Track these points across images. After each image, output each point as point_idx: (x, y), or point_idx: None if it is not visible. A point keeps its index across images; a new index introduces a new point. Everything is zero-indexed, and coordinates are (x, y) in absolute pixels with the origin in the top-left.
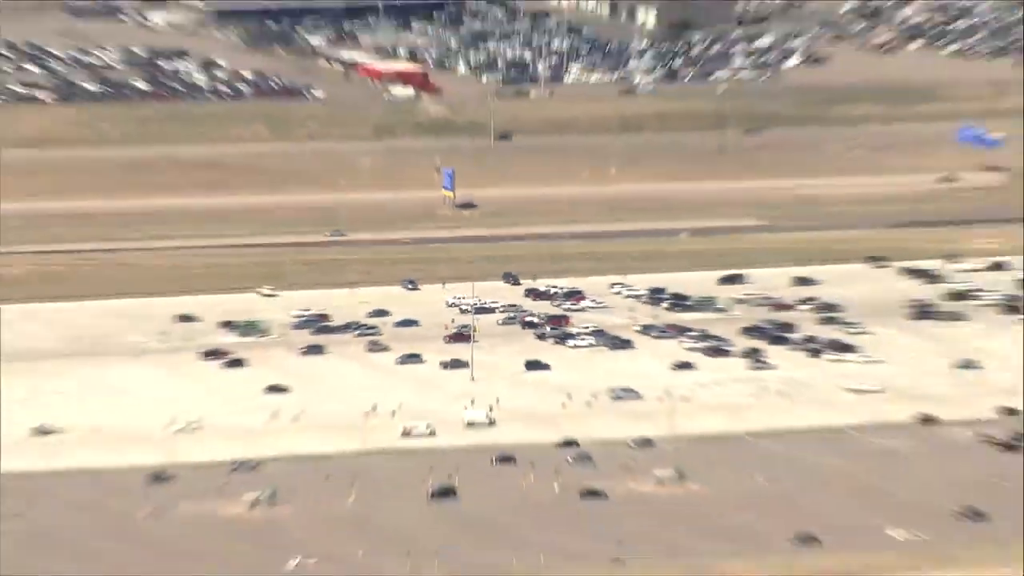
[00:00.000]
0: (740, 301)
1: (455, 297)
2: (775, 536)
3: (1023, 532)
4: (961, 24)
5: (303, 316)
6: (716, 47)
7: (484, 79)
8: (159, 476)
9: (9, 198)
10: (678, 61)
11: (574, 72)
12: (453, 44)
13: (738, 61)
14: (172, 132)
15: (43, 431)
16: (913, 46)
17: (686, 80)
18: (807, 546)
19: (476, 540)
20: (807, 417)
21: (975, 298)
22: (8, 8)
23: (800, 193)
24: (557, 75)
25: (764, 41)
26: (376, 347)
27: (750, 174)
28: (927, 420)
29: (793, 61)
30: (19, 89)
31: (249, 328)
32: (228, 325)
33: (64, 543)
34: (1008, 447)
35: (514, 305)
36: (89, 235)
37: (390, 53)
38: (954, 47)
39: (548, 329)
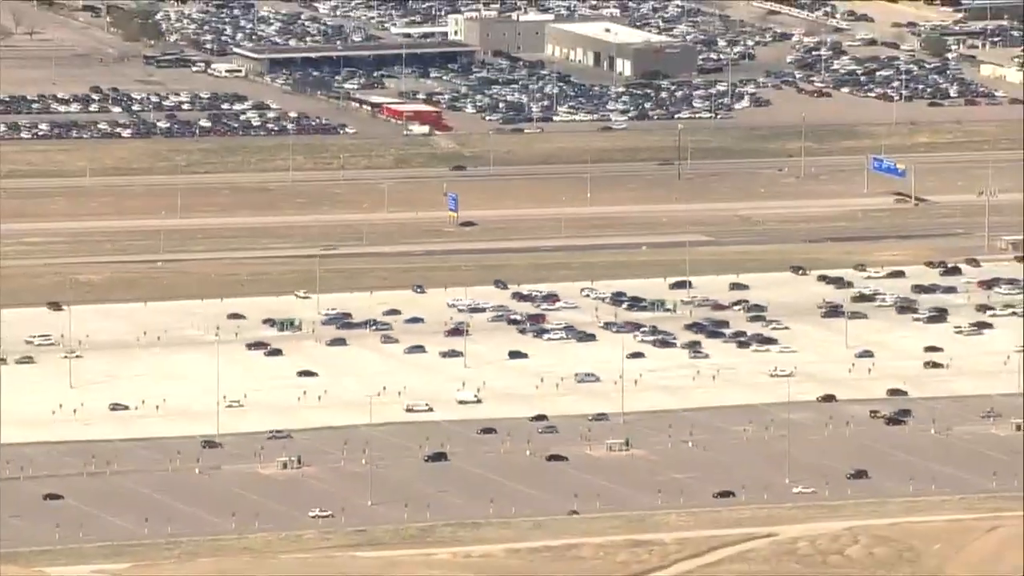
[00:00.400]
0: (686, 303)
1: (454, 299)
2: (701, 492)
3: None
4: (883, 73)
5: (330, 314)
6: (680, 92)
7: (487, 118)
8: (210, 443)
9: (95, 217)
10: (648, 104)
11: (562, 113)
12: (463, 89)
13: (697, 104)
14: (229, 162)
15: (118, 407)
16: (843, 91)
17: (654, 119)
18: (726, 499)
19: (461, 493)
20: (733, 396)
21: (876, 300)
22: (95, 60)
23: (740, 214)
24: (547, 115)
25: (720, 87)
26: (388, 339)
27: (700, 198)
28: (828, 398)
29: (742, 104)
30: (105, 127)
31: (286, 324)
32: (269, 322)
33: (134, 495)
34: (893, 421)
35: (502, 306)
36: (158, 247)
37: (410, 96)
38: (877, 92)
39: (528, 325)
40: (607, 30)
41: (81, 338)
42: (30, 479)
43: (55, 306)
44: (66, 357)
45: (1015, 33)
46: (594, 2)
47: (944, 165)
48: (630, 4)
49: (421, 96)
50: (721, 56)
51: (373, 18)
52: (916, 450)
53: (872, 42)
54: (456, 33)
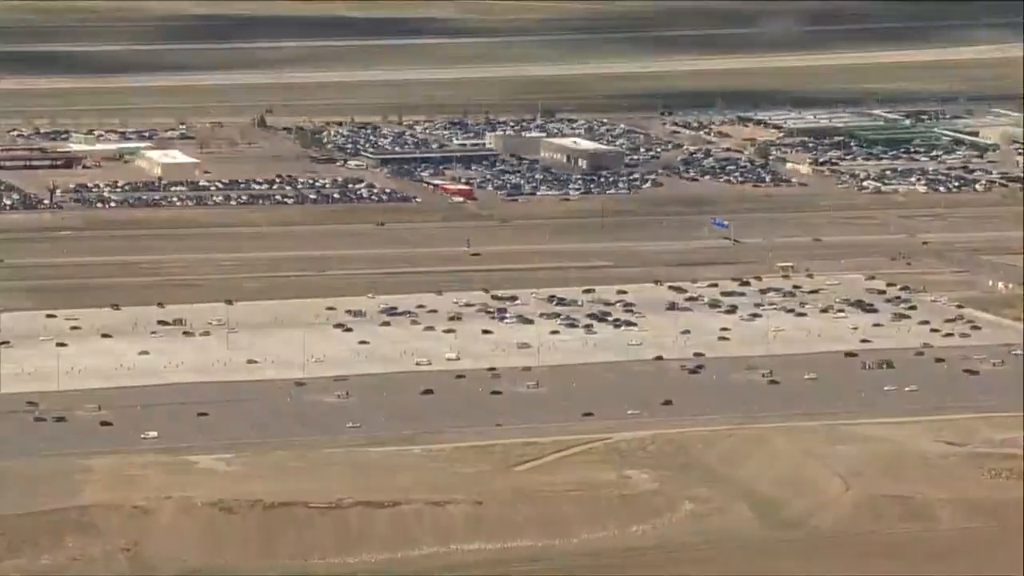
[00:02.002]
0: (590, 302)
1: (457, 299)
2: (575, 413)
3: None
4: (730, 167)
5: (384, 307)
6: (612, 179)
7: (499, 193)
8: (300, 383)
9: (265, 249)
10: (592, 185)
11: (542, 190)
12: (488, 176)
13: (621, 185)
14: (347, 218)
15: (252, 361)
16: (707, 178)
17: (594, 193)
18: (588, 417)
19: (438, 414)
20: (606, 356)
21: (699, 300)
22: (282, 160)
23: (633, 250)
24: (533, 191)
25: (634, 176)
26: (415, 322)
27: (612, 239)
28: (658, 358)
29: (647, 185)
30: (278, 198)
31: (357, 314)
32: (349, 312)
33: (252, 414)
34: (693, 372)
35: (484, 303)
36: (296, 268)
37: (456, 180)
38: (724, 179)
39: (496, 314)
40: (575, 142)
41: (241, 320)
42: (193, 404)
43: (229, 302)
44: (229, 332)
45: (811, 145)
46: (569, 128)
47: (756, 220)
48: (593, 126)
49: (463, 180)
50: (637, 157)
51: (445, 134)
52: (704, 389)
53: (728, 149)
54: (489, 143)
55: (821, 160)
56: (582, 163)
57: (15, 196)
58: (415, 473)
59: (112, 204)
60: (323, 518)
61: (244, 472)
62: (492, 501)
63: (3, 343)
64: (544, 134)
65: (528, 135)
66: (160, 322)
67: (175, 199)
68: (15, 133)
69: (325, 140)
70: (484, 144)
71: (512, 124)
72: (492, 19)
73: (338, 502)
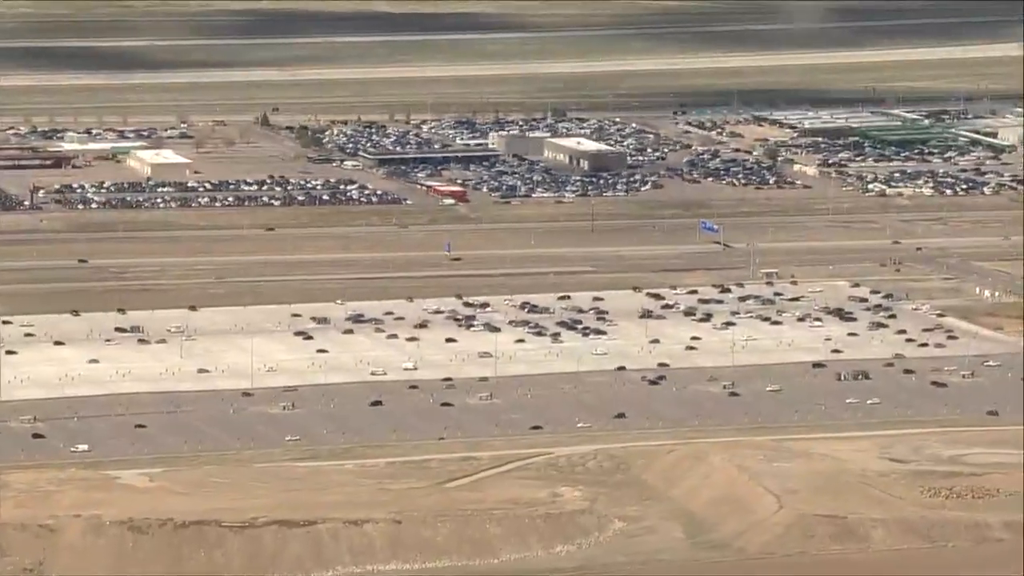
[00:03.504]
0: (564, 309)
1: (426, 306)
2: (523, 426)
3: None
4: (734, 167)
5: (351, 315)
6: (612, 180)
7: (492, 195)
8: (247, 393)
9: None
10: (590, 187)
11: (538, 191)
12: (485, 177)
13: (620, 187)
14: (332, 220)
15: (203, 370)
16: (709, 180)
17: (589, 195)
18: (536, 431)
19: (382, 426)
20: (565, 367)
21: (674, 308)
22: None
23: (619, 253)
24: (529, 193)
25: (635, 177)
26: (379, 330)
27: (600, 244)
28: (620, 368)
29: (646, 187)
30: (265, 200)
31: (321, 321)
32: (313, 319)
33: (189, 426)
34: (653, 383)
35: (454, 310)
36: (268, 272)
37: (453, 181)
38: (731, 180)
39: (464, 322)
40: (578, 142)
41: (201, 327)
42: (132, 415)
43: (193, 308)
44: (186, 339)
45: (823, 146)
46: (579, 127)
47: (751, 224)
48: (603, 125)
49: (459, 181)
50: (642, 158)
51: (450, 134)
52: (661, 401)
53: (737, 150)
54: (492, 143)
55: (830, 161)
56: (584, 164)
57: None
58: (341, 490)
59: (94, 205)
60: (236, 537)
61: (165, 488)
62: (412, 520)
63: None
64: (550, 134)
65: (533, 135)
66: (117, 329)
67: (160, 200)
68: (11, 131)
69: (326, 140)
70: (487, 144)
71: (520, 123)
72: (529, 15)
73: (252, 521)
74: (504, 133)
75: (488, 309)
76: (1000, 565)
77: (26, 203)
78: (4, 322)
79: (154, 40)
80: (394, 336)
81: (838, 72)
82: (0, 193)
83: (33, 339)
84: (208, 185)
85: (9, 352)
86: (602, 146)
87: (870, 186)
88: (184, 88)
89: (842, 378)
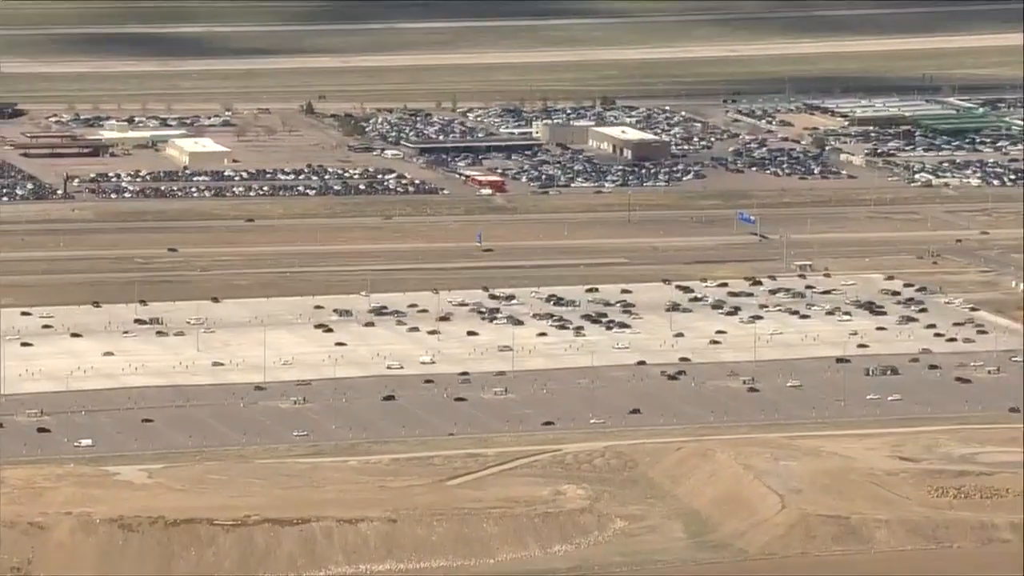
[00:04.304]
0: (591, 302)
1: (452, 298)
2: (535, 421)
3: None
4: (780, 157)
5: (374, 307)
6: (654, 170)
7: (531, 185)
8: (259, 387)
9: (272, 244)
10: (632, 176)
11: (577, 182)
12: (525, 167)
13: (662, 177)
14: (366, 210)
15: (218, 363)
16: (753, 169)
17: (630, 186)
18: (548, 426)
19: (391, 421)
20: (585, 361)
21: (702, 301)
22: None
23: (653, 244)
24: (568, 183)
25: (678, 167)
26: (401, 323)
27: (636, 235)
28: (641, 363)
29: (688, 177)
30: (300, 189)
31: (343, 313)
32: (335, 311)
33: (196, 420)
34: (672, 378)
35: (479, 302)
36: (296, 263)
37: (493, 171)
38: (775, 170)
39: (487, 315)
40: (622, 131)
41: (221, 319)
42: (140, 409)
43: (215, 299)
44: (204, 332)
45: (873, 135)
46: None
47: (791, 216)
48: (652, 113)
49: (500, 170)
50: (688, 147)
51: (496, 122)
52: (678, 396)
53: (785, 139)
54: (536, 132)
55: (879, 151)
56: (627, 153)
57: (29, 186)
58: (339, 487)
59: (127, 195)
60: (227, 536)
61: (162, 485)
62: (408, 518)
63: None
64: (593, 123)
65: (578, 124)
66: (137, 321)
67: (194, 190)
68: (53, 119)
69: (369, 128)
70: (531, 133)
71: (568, 112)
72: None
73: (244, 519)
74: (547, 122)
75: (514, 302)
76: (1004, 567)
77: (59, 192)
78: (23, 313)
79: (210, 27)
80: (415, 329)
81: (896, 59)
82: (34, 182)
83: (51, 331)
84: (245, 174)
85: (24, 344)
86: (645, 135)
87: (916, 176)
88: (233, 75)
89: (870, 373)
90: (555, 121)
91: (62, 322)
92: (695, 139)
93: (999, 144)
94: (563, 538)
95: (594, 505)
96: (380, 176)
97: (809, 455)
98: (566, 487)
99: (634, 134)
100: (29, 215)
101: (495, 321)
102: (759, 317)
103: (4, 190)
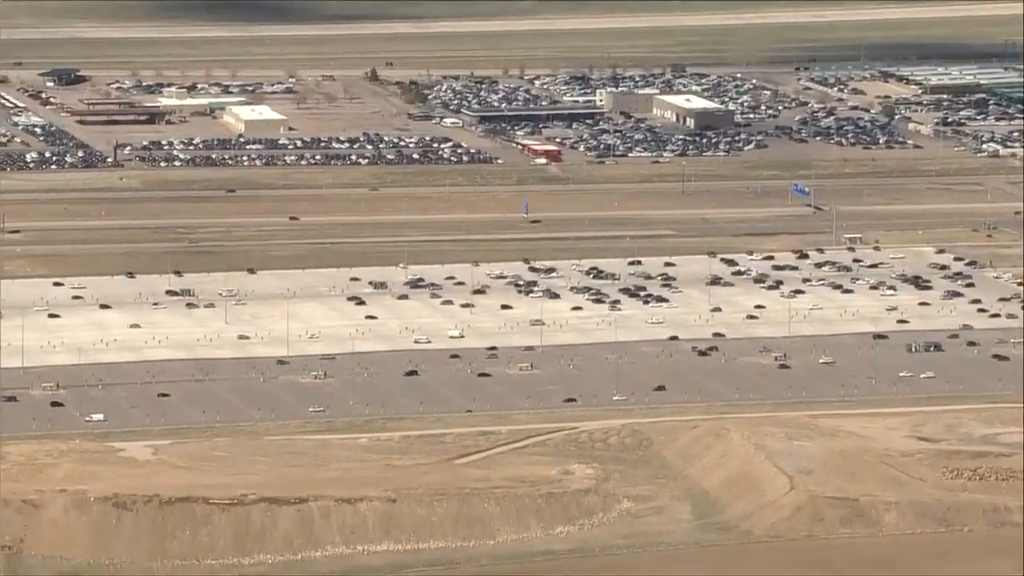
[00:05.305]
0: (632, 274)
1: (490, 270)
2: (556, 398)
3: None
4: (847, 126)
5: (411, 279)
6: (716, 139)
7: (588, 155)
8: (282, 361)
9: (308, 214)
10: (692, 146)
11: (636, 152)
12: (585, 136)
13: (722, 147)
14: (416, 180)
15: (243, 336)
16: (817, 139)
17: (689, 155)
18: (569, 403)
19: (416, 396)
20: (618, 336)
21: (744, 275)
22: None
23: (704, 216)
24: (626, 152)
25: (740, 136)
26: (435, 296)
27: (688, 206)
28: (673, 338)
29: (749, 147)
30: (353, 158)
31: (377, 285)
32: (371, 283)
33: (213, 395)
34: (702, 353)
35: (517, 275)
36: (337, 234)
37: (552, 140)
38: (840, 139)
39: (524, 288)
40: (687, 99)
41: (255, 291)
42: (158, 383)
43: (251, 271)
44: (235, 304)
45: (946, 103)
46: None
47: (850, 187)
48: (722, 81)
49: (558, 139)
50: (753, 116)
51: (562, 90)
52: (706, 373)
53: (855, 108)
54: (600, 101)
55: (949, 120)
56: (689, 122)
57: (80, 154)
58: (343, 465)
59: (177, 163)
60: (222, 515)
61: (164, 462)
62: (408, 498)
63: None
64: (659, 91)
65: (644, 92)
66: (169, 292)
67: (246, 158)
68: (115, 85)
69: (432, 96)
70: (595, 102)
71: (636, 79)
72: None
73: (240, 498)
74: (611, 90)
75: (553, 275)
76: (1013, 551)
77: (108, 160)
78: (56, 284)
79: None
80: (449, 302)
81: (979, 25)
82: (86, 149)
83: (80, 302)
84: (299, 143)
85: (51, 316)
86: (709, 104)
87: (984, 146)
88: (305, 41)
89: (913, 350)
90: (620, 89)
91: (93, 293)
92: (762, 107)
93: None
94: (566, 519)
95: (601, 485)
96: (435, 145)
97: (826, 435)
98: (576, 466)
99: (698, 103)
100: (76, 183)
101: (531, 294)
102: (800, 291)
103: (54, 158)
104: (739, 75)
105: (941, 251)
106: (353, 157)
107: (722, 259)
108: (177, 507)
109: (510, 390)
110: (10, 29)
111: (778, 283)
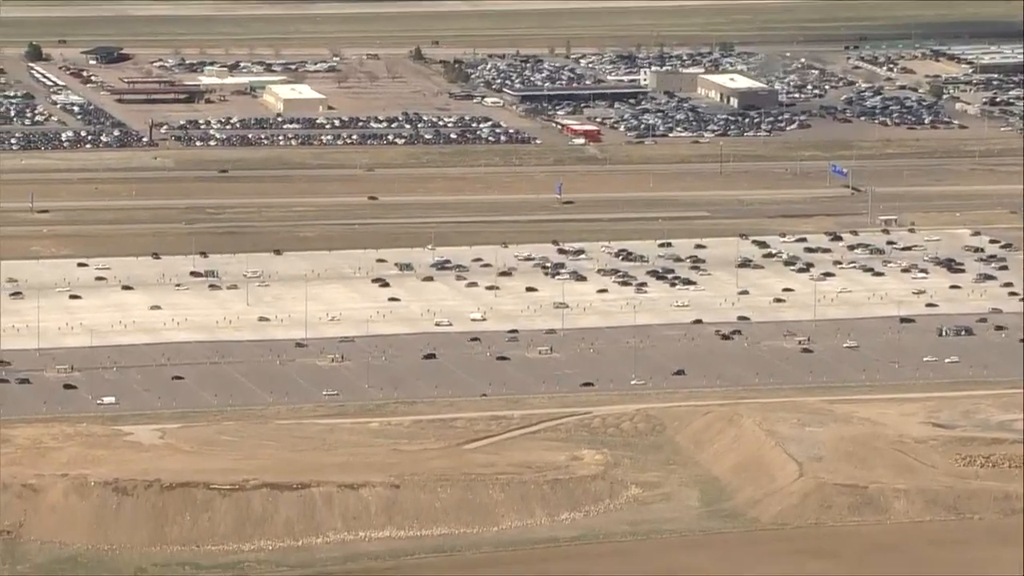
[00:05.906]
0: (661, 256)
1: (518, 252)
2: (574, 382)
3: None
4: (893, 106)
5: (437, 261)
6: (758, 119)
7: (628, 134)
8: (300, 344)
9: (342, 195)
10: (733, 126)
11: (676, 131)
12: (626, 115)
13: (764, 127)
14: (452, 160)
15: (263, 319)
16: (862, 119)
17: (729, 136)
18: (586, 388)
19: (427, 380)
20: (641, 319)
21: (775, 257)
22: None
23: (739, 198)
24: (666, 132)
25: (783, 116)
26: (460, 278)
27: (725, 187)
28: (697, 321)
29: (792, 127)
30: (391, 138)
31: (403, 267)
32: (397, 264)
33: (227, 377)
34: (725, 337)
35: (545, 257)
36: (367, 214)
37: (593, 120)
38: (885, 119)
39: (550, 270)
40: (731, 79)
41: (279, 272)
42: (173, 365)
43: (277, 252)
44: (258, 285)
45: (996, 83)
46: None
47: (890, 168)
48: (770, 60)
49: (599, 119)
50: (799, 95)
51: (607, 69)
52: (728, 357)
53: (903, 87)
54: (644, 80)
55: (997, 100)
56: (733, 102)
57: (116, 133)
58: (351, 451)
59: (213, 143)
60: (223, 501)
61: (170, 446)
62: (412, 484)
63: (15, 294)
64: (704, 70)
65: (689, 71)
66: (192, 273)
67: (282, 138)
68: (157, 63)
69: (475, 75)
70: (639, 81)
71: (683, 58)
72: None
73: (242, 483)
74: (656, 69)
75: (582, 256)
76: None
77: (144, 139)
78: (80, 264)
79: None
80: (474, 284)
81: None
82: (122, 128)
83: (103, 283)
84: (337, 122)
85: (73, 297)
86: (753, 83)
87: None
88: (353, 19)
89: (943, 334)
90: (665, 68)
91: (116, 274)
92: (809, 87)
93: None
94: (572, 506)
95: (609, 471)
96: (474, 125)
97: (839, 421)
98: (585, 452)
99: (743, 82)
100: (110, 163)
101: (557, 277)
102: (830, 274)
103: (89, 137)
104: (787, 53)
105: (976, 233)
106: (390, 137)
107: (753, 241)
108: (177, 492)
109: (527, 374)
110: (56, 6)
111: (808, 266)
